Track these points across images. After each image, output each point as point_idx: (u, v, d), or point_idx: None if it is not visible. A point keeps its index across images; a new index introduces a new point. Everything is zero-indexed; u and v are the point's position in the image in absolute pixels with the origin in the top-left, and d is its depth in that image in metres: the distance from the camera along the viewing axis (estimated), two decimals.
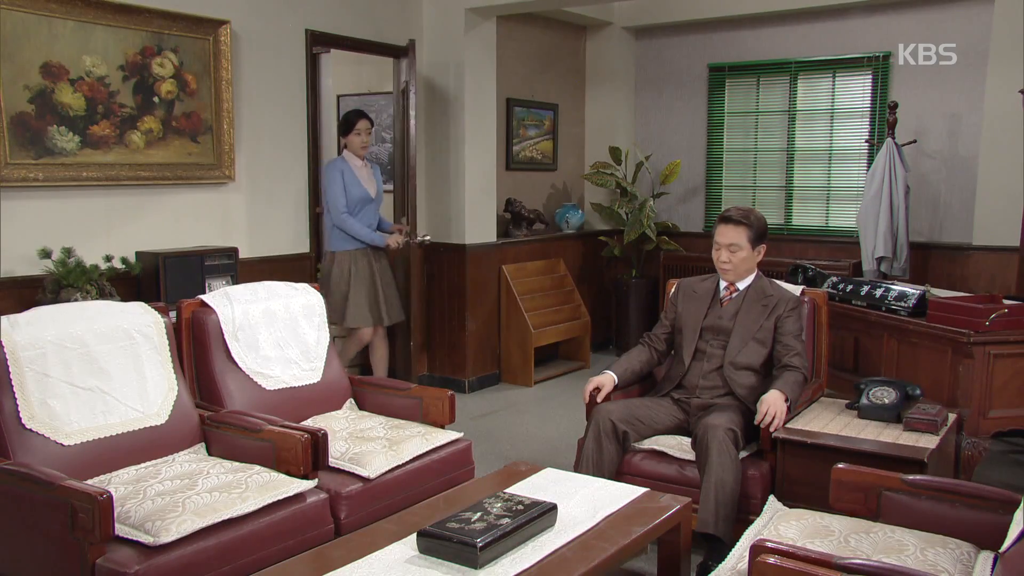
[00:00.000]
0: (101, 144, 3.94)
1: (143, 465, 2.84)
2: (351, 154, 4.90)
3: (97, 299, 3.53)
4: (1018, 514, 2.03)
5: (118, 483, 2.68)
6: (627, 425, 3.27)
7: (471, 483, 3.01)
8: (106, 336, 2.90)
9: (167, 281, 3.93)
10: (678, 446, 3.26)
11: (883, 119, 5.96)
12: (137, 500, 2.54)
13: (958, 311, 3.82)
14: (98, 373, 2.83)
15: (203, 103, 4.33)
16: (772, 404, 3.14)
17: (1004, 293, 4.64)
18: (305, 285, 3.71)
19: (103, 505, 2.29)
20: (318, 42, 4.98)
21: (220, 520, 2.51)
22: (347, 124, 4.91)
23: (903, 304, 4.10)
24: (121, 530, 2.42)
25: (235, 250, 4.28)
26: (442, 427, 3.44)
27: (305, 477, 2.82)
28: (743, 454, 3.16)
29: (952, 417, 3.36)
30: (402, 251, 5.21)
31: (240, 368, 3.31)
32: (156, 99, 4.14)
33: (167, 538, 2.38)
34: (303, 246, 4.99)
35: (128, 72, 4.02)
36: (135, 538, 2.40)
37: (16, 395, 2.63)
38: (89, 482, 2.57)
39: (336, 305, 4.81)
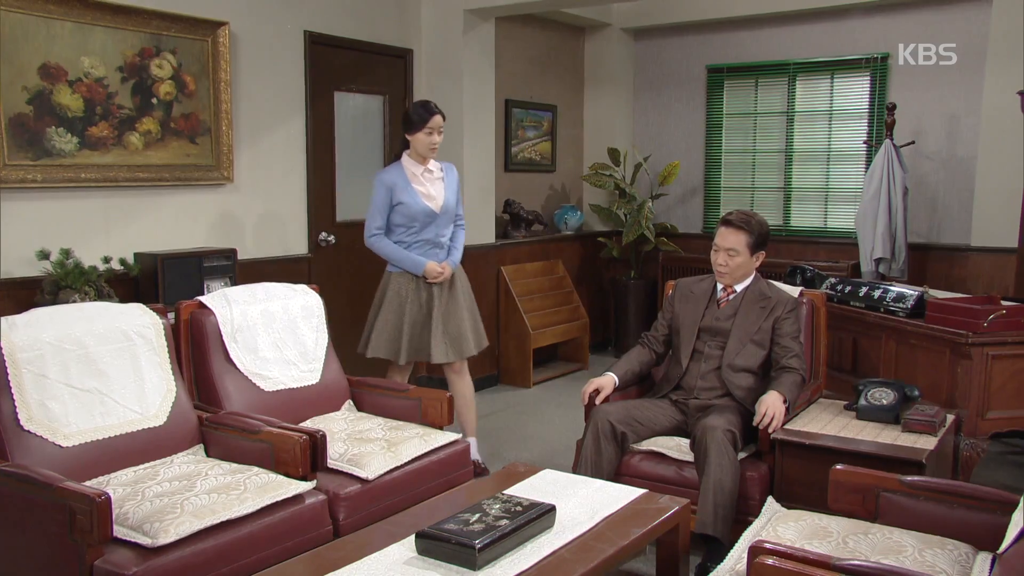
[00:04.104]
0: (99, 145, 3.94)
1: (141, 467, 2.84)
2: (411, 159, 4.05)
3: (95, 300, 3.53)
4: (1016, 515, 2.04)
5: (116, 484, 2.68)
6: (626, 426, 3.27)
7: (470, 484, 3.01)
8: (104, 337, 2.90)
9: (165, 282, 3.93)
10: (677, 447, 3.26)
11: (881, 120, 5.96)
12: (135, 501, 2.54)
13: (956, 312, 3.82)
14: (96, 374, 2.83)
15: (202, 104, 4.34)
16: (771, 405, 3.14)
17: (1002, 294, 4.64)
18: (304, 286, 3.71)
19: (101, 507, 2.29)
20: (316, 43, 4.98)
21: (219, 521, 2.51)
22: (415, 119, 3.99)
23: (901, 305, 4.11)
24: (119, 532, 2.42)
25: (233, 251, 4.28)
26: (440, 428, 3.44)
27: (304, 478, 2.82)
28: (742, 455, 3.16)
29: (950, 418, 3.36)
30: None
31: (238, 369, 3.31)
32: (154, 100, 4.14)
33: (165, 539, 2.38)
34: (302, 248, 4.99)
35: (127, 73, 4.02)
36: (133, 539, 2.40)
37: (14, 396, 2.63)
38: (87, 484, 2.57)
39: (367, 328, 4.14)
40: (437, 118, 3.99)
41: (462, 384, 4.21)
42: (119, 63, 3.99)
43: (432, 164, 4.09)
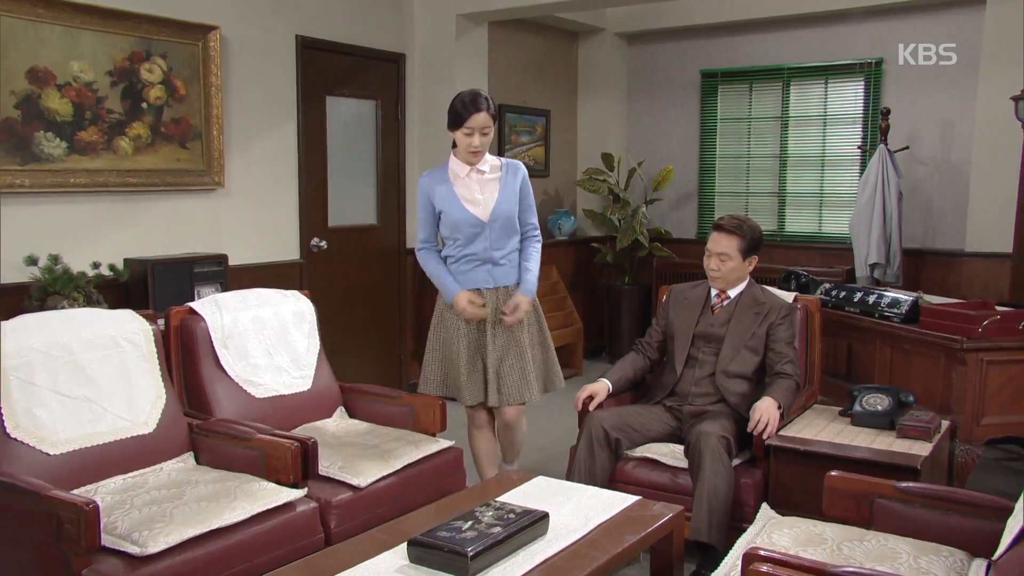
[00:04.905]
0: (89, 150, 3.93)
1: (131, 474, 2.82)
2: (456, 158, 3.45)
3: (84, 307, 3.52)
4: (1011, 521, 2.04)
5: (105, 493, 2.67)
6: (619, 432, 3.27)
7: (462, 492, 3.00)
8: (93, 344, 2.88)
9: (156, 288, 3.92)
10: (671, 454, 3.26)
11: (875, 125, 5.98)
12: (124, 510, 2.53)
13: (951, 317, 3.84)
14: (85, 381, 2.82)
15: (192, 109, 4.33)
16: (765, 411, 3.15)
17: (997, 299, 4.66)
18: (295, 292, 3.70)
19: (89, 515, 2.27)
20: (308, 48, 4.98)
21: (208, 530, 2.49)
22: (455, 114, 3.33)
23: (896, 311, 4.12)
24: (108, 540, 2.40)
25: (224, 257, 4.27)
26: (433, 435, 3.42)
27: (295, 486, 2.80)
28: (736, 462, 3.17)
29: (945, 424, 3.37)
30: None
31: (229, 376, 3.30)
32: (145, 105, 4.13)
33: (154, 548, 2.36)
34: (293, 253, 4.98)
35: (116, 78, 4.01)
36: (122, 548, 2.39)
37: (1, 404, 2.61)
38: (75, 492, 2.55)
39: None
40: (481, 116, 3.27)
41: (511, 435, 3.55)
42: (108, 67, 3.98)
43: (488, 162, 3.44)
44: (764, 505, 2.81)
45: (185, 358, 3.27)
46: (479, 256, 3.42)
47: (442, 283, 3.47)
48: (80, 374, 2.81)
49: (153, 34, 4.13)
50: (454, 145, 3.43)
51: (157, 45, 4.16)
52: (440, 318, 3.52)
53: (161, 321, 3.26)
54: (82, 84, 3.89)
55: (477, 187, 3.42)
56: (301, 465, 2.82)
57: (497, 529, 2.30)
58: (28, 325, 2.80)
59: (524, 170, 3.56)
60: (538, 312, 3.56)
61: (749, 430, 3.17)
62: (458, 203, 3.39)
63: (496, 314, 3.40)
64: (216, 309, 3.35)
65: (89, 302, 3.63)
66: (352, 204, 5.45)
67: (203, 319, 3.30)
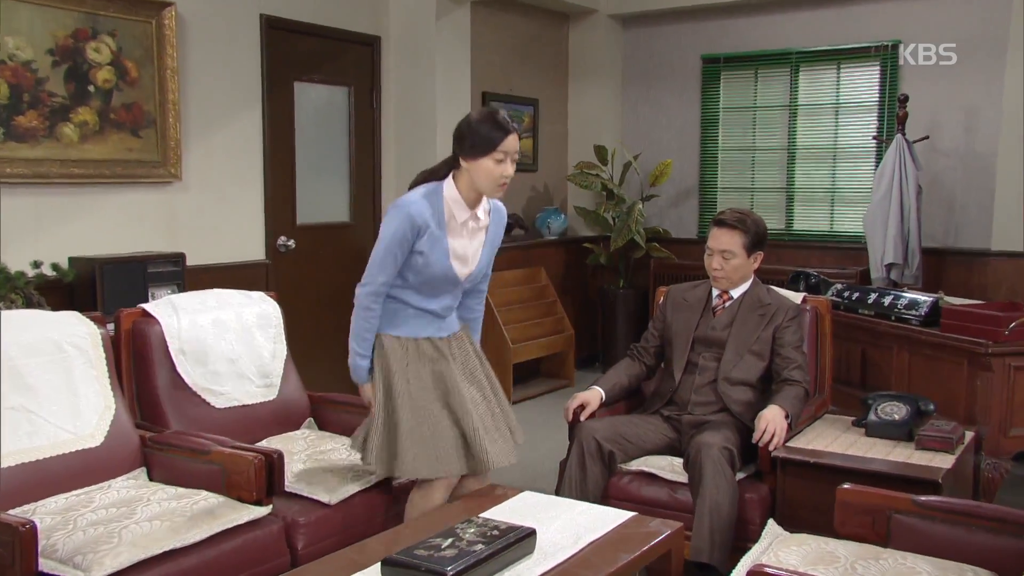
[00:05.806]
0: (28, 137, 3.90)
1: (74, 492, 2.79)
2: (458, 194, 2.93)
3: (23, 309, 3.48)
4: None
5: (44, 513, 2.63)
6: (613, 444, 3.26)
7: (442, 507, 2.98)
8: (33, 348, 2.85)
9: (105, 290, 3.90)
10: (669, 467, 3.26)
11: (892, 114, 6.01)
12: (66, 531, 2.49)
13: (975, 319, 3.85)
14: (23, 390, 2.78)
15: (145, 93, 4.31)
16: (771, 421, 3.15)
17: None
18: (260, 294, 3.68)
19: (25, 537, 2.25)
20: (274, 28, 4.97)
21: (161, 552, 2.46)
22: (481, 137, 2.88)
23: (914, 312, 4.13)
24: (46, 565, 2.37)
25: (182, 256, 4.26)
26: None
27: (258, 503, 2.78)
28: (740, 475, 3.16)
29: (969, 435, 3.37)
30: None
31: (187, 384, 3.27)
32: (92, 88, 4.11)
33: (100, 572, 2.33)
34: (258, 253, 4.96)
35: (59, 57, 3.99)
36: (63, 574, 2.35)
37: None
38: (11, 512, 2.52)
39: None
40: (513, 139, 2.89)
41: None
42: (49, 45, 3.95)
43: (482, 205, 2.99)
44: (770, 521, 2.81)
45: (137, 365, 3.24)
46: (437, 313, 2.98)
47: (356, 358, 2.97)
48: (17, 382, 2.78)
49: (100, 9, 4.10)
50: (446, 173, 2.97)
51: (105, 22, 4.13)
52: (382, 366, 2.93)
53: (111, 325, 3.23)
54: (19, 63, 3.86)
55: (468, 239, 2.97)
56: (265, 481, 2.80)
57: (479, 547, 2.29)
58: None
59: (505, 214, 3.17)
60: (483, 357, 3.19)
61: (754, 441, 3.16)
62: (445, 256, 2.90)
63: (455, 363, 3.01)
64: (172, 311, 3.33)
65: (29, 304, 3.60)
66: (322, 200, 5.44)
67: (158, 322, 3.27)
